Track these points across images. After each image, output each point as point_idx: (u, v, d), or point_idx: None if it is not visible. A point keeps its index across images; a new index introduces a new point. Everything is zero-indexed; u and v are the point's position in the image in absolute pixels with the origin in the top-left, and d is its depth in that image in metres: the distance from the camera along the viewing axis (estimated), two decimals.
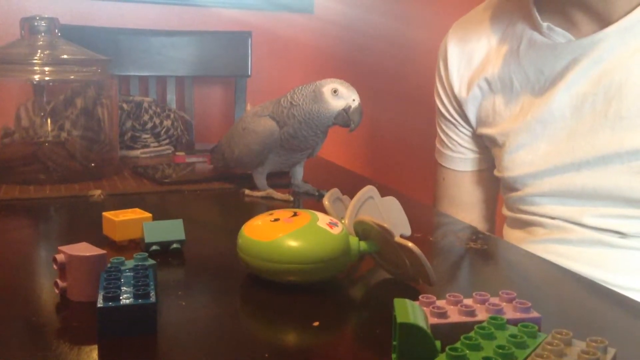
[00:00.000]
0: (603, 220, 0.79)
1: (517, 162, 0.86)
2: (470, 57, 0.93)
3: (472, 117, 0.94)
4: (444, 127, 1.00)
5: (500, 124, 0.88)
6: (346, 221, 0.58)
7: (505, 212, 0.94)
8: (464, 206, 1.00)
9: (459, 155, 0.99)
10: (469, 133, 0.97)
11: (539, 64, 0.83)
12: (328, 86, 0.83)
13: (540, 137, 0.83)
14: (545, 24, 0.82)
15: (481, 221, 1.00)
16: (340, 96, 0.83)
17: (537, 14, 0.83)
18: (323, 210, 0.60)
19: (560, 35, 0.81)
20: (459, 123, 0.97)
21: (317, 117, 0.84)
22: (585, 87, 0.79)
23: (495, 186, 0.99)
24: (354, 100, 0.83)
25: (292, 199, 0.88)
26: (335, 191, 0.66)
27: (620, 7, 0.77)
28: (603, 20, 0.78)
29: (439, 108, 1.00)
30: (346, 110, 0.83)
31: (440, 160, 1.03)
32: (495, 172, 0.92)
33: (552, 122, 0.82)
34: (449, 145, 1.00)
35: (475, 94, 0.92)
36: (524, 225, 0.89)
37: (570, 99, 0.80)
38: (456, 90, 0.95)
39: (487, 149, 0.95)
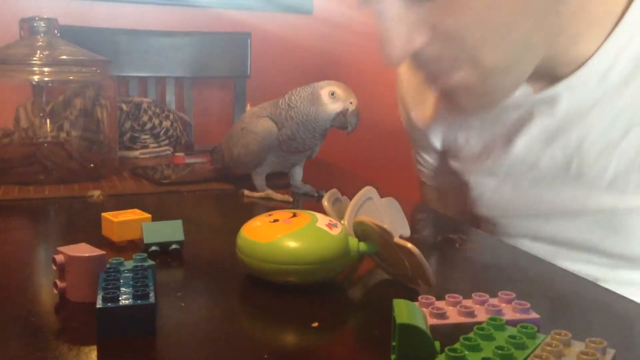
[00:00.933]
0: (576, 266, 0.76)
1: (483, 203, 0.83)
2: (421, 91, 0.88)
3: (437, 144, 0.90)
4: (416, 147, 0.96)
5: (464, 159, 0.85)
6: (345, 222, 0.58)
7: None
8: None
9: (436, 175, 0.96)
10: (438, 156, 0.93)
11: (495, 111, 0.77)
12: (326, 89, 0.84)
13: (504, 182, 0.80)
14: None
15: None
16: (338, 99, 0.83)
17: None
18: (322, 211, 0.60)
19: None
20: (426, 146, 0.93)
21: (315, 120, 0.84)
22: (542, 142, 0.75)
23: None
24: (351, 103, 0.83)
25: (291, 199, 0.88)
26: (334, 192, 0.66)
27: (567, 65, 0.70)
28: (551, 76, 0.72)
29: (406, 130, 0.96)
30: (343, 113, 0.84)
31: (419, 176, 1.00)
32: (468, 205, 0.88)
33: (513, 169, 0.78)
34: (424, 164, 0.96)
35: (435, 127, 0.88)
36: None
37: (528, 151, 0.76)
38: (414, 119, 0.91)
39: None
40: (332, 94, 0.83)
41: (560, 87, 0.71)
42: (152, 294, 0.44)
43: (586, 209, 0.73)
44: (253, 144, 0.88)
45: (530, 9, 0.62)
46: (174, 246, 0.62)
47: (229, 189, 0.95)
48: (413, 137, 0.95)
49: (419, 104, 0.90)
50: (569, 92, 0.71)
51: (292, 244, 0.51)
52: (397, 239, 0.51)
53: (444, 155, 0.91)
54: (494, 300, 0.45)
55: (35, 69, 1.01)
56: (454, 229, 0.79)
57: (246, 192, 0.91)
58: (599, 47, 0.67)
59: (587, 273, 0.75)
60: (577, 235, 0.75)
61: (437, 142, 0.90)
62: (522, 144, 0.76)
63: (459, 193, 0.93)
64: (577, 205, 0.74)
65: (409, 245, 0.50)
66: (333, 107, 0.84)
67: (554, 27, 0.65)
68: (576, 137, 0.72)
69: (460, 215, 0.96)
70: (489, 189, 0.82)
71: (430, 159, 0.95)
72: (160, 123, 1.32)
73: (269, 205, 0.86)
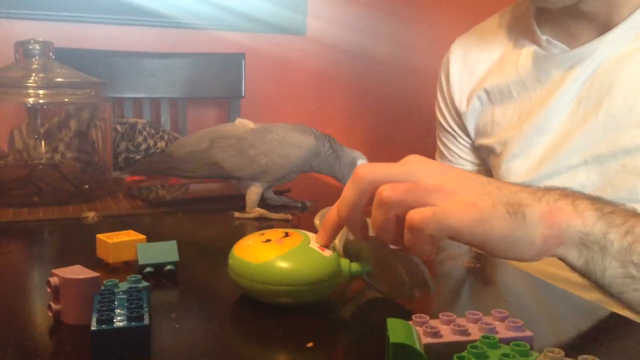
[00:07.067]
0: None
1: (513, 171, 0.87)
2: (471, 70, 0.96)
3: (471, 128, 0.96)
4: (443, 138, 1.02)
5: (498, 134, 0.90)
6: (337, 242, 0.59)
7: None
8: None
9: (458, 167, 1.00)
10: (468, 145, 0.99)
11: (536, 73, 0.86)
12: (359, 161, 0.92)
13: (536, 145, 0.85)
14: (544, 38, 0.85)
15: None
16: None
17: (536, 28, 0.86)
18: (314, 230, 0.60)
19: (558, 48, 0.84)
20: (459, 135, 0.99)
21: (338, 178, 0.92)
22: (580, 92, 0.81)
23: None
24: None
25: (290, 217, 0.87)
26: (325, 210, 0.66)
27: (620, 16, 0.79)
28: (603, 30, 0.80)
29: (439, 120, 1.02)
30: None
31: None
32: None
33: (547, 129, 0.84)
34: (448, 156, 1.01)
35: (475, 106, 0.94)
36: None
37: (566, 104, 0.82)
38: (457, 102, 0.97)
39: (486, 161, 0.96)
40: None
41: (605, 37, 0.79)
42: (146, 316, 0.44)
43: (616, 150, 0.78)
44: (295, 156, 0.89)
45: None
46: (168, 267, 0.62)
47: (223, 209, 0.95)
48: (447, 125, 1.00)
49: (467, 73, 0.97)
50: (612, 42, 0.79)
51: (284, 265, 0.51)
52: (392, 245, 0.51)
53: (473, 142, 0.97)
54: (487, 319, 0.45)
55: (30, 91, 1.01)
56: (448, 247, 0.79)
57: (236, 214, 0.89)
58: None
59: None
60: (604, 185, 0.79)
61: (471, 125, 0.96)
62: (561, 98, 0.83)
63: None
64: (607, 149, 0.79)
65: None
66: None
67: None
68: (609, 80, 0.79)
69: None
70: (521, 156, 0.86)
71: (457, 150, 1.00)
72: (155, 144, 1.32)
73: (261, 225, 0.86)
